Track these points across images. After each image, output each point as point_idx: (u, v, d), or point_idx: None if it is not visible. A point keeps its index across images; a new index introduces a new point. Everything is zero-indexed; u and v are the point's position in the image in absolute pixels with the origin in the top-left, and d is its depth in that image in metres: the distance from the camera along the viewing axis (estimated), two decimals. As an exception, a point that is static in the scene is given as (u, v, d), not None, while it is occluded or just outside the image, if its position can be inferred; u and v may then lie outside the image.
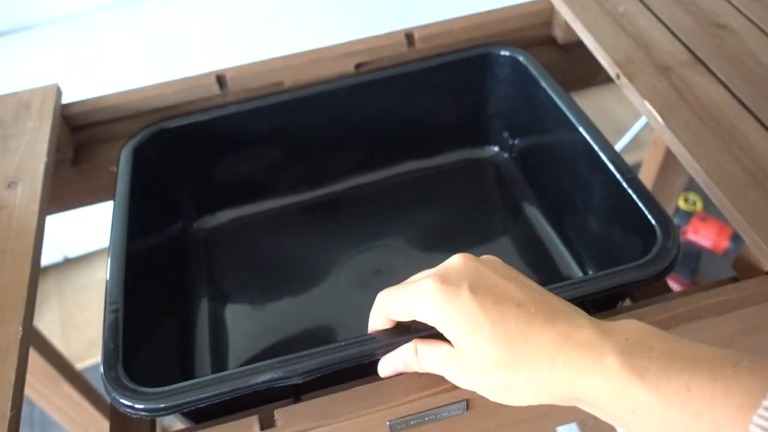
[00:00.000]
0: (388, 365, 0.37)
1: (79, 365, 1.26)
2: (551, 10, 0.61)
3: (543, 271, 0.58)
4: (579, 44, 0.61)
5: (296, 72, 0.60)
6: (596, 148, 0.50)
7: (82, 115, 0.57)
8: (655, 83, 0.50)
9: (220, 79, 0.58)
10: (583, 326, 0.30)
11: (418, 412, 0.37)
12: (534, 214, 0.62)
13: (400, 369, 0.36)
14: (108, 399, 0.38)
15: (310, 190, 0.66)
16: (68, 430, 0.92)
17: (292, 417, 0.37)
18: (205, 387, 0.37)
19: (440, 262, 0.35)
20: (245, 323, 0.57)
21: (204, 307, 0.58)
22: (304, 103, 0.60)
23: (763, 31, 0.53)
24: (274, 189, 0.65)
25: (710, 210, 1.34)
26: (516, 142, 0.66)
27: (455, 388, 0.35)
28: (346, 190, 0.66)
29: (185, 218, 0.63)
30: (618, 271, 0.41)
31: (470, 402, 0.39)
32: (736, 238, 1.26)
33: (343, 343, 0.38)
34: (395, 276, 0.53)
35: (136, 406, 0.37)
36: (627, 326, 0.30)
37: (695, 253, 1.32)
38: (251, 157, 0.63)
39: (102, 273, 0.41)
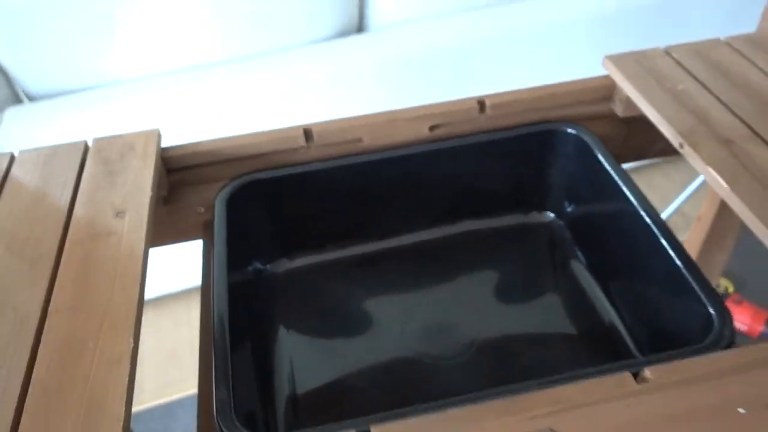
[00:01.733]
0: None
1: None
2: (613, 86, 0.66)
3: (591, 333, 0.60)
4: (636, 119, 0.65)
5: (375, 130, 0.65)
6: (653, 227, 0.54)
7: (179, 158, 0.62)
8: (718, 152, 0.54)
9: (307, 132, 0.63)
10: None
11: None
12: (585, 277, 0.65)
13: None
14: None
15: (378, 242, 0.69)
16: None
17: (389, 437, 0.39)
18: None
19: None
20: (316, 366, 0.60)
21: (278, 348, 0.61)
22: (381, 164, 0.65)
23: (816, 112, 0.58)
24: (345, 240, 0.69)
25: (744, 294, 1.35)
26: (570, 209, 0.70)
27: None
28: (412, 244, 0.70)
29: (262, 260, 0.66)
30: (680, 353, 0.44)
31: (555, 435, 0.40)
32: (771, 323, 1.27)
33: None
34: (455, 329, 0.57)
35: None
36: None
37: (731, 337, 1.32)
38: (328, 209, 0.67)
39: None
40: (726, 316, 0.47)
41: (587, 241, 0.67)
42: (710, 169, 0.53)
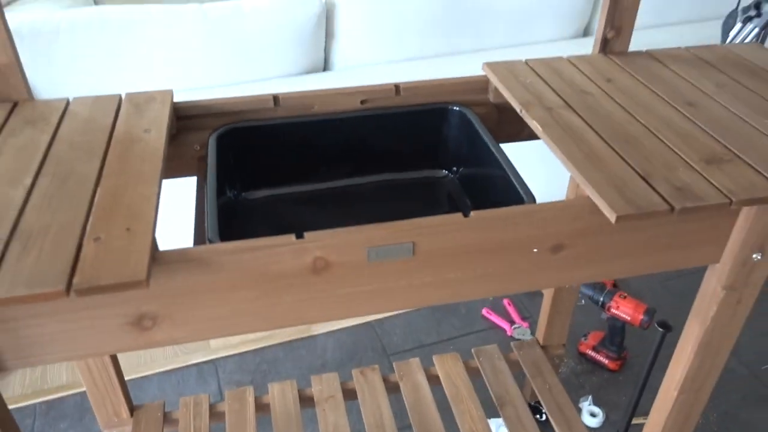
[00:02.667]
0: None
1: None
2: (488, 81, 0.97)
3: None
4: (506, 107, 0.96)
5: (323, 100, 0.93)
6: (508, 173, 0.83)
7: (185, 108, 0.89)
8: (542, 114, 0.84)
9: (275, 98, 0.92)
10: None
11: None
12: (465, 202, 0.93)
13: None
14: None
15: (321, 184, 0.97)
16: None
17: (315, 236, 0.65)
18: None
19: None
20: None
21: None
22: (327, 124, 0.93)
23: (609, 95, 0.89)
24: (298, 179, 0.96)
25: (628, 292, 1.63)
26: (458, 167, 0.99)
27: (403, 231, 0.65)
28: (345, 186, 0.97)
29: (238, 189, 0.93)
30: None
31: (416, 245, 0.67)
32: (648, 312, 1.55)
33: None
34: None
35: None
36: None
37: (620, 326, 1.60)
38: (286, 155, 0.94)
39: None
40: (532, 197, 0.75)
41: (469, 188, 0.96)
42: (535, 122, 0.82)
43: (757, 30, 1.42)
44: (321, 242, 0.65)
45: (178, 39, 1.58)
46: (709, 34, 1.87)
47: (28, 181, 0.70)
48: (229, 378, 1.64)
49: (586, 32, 2.05)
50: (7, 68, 0.84)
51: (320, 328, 1.78)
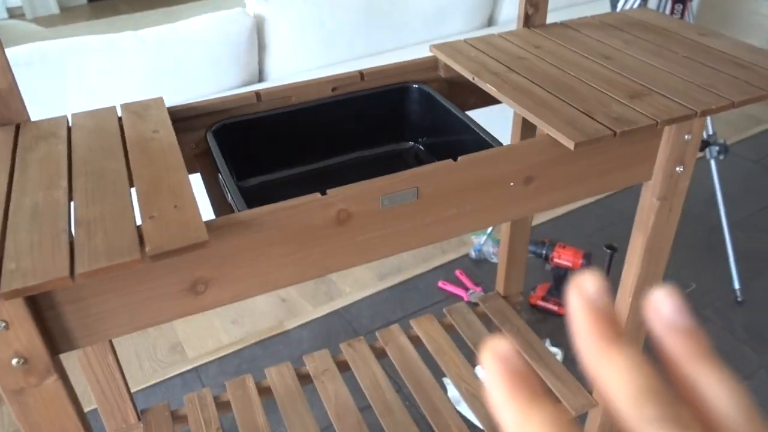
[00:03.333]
0: None
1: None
2: (436, 60, 1.12)
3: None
4: (454, 80, 1.11)
5: (299, 92, 1.05)
6: (470, 125, 0.98)
7: (177, 111, 0.98)
8: (492, 78, 0.99)
9: (257, 95, 1.02)
10: None
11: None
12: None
13: None
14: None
15: (305, 165, 1.08)
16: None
17: (336, 192, 0.77)
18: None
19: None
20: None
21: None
22: (303, 112, 1.05)
23: (541, 58, 1.06)
24: (283, 165, 1.07)
25: (566, 241, 1.84)
26: (423, 138, 1.13)
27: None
28: (325, 166, 1.09)
29: (235, 177, 1.02)
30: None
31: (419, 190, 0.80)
32: (586, 256, 1.75)
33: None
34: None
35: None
36: None
37: (563, 274, 1.79)
38: (271, 144, 1.05)
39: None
40: (498, 143, 0.90)
41: (435, 153, 1.10)
42: (488, 85, 0.98)
43: (639, 1, 1.67)
44: (342, 195, 0.77)
45: (119, 66, 1.64)
46: (604, 7, 2.14)
47: (64, 183, 0.78)
48: (213, 382, 1.70)
49: (490, 23, 2.26)
50: (8, 93, 0.90)
51: (291, 323, 1.87)
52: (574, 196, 0.93)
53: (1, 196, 0.76)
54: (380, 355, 1.42)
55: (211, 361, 1.76)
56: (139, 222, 0.70)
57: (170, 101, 1.78)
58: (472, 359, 1.41)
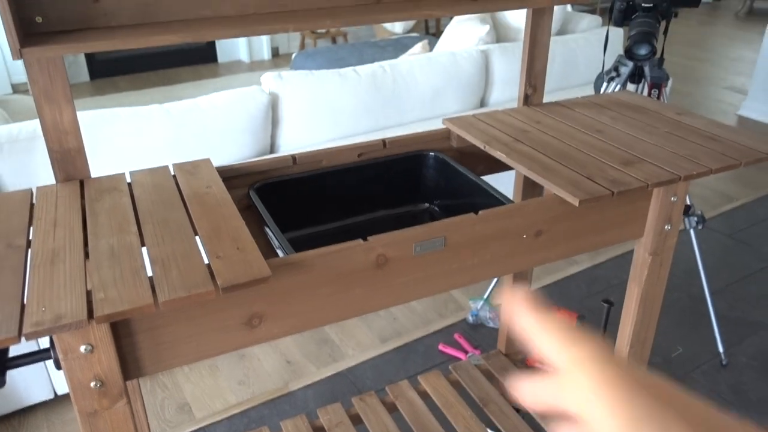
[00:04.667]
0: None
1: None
2: (449, 131, 1.26)
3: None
4: (464, 150, 1.25)
5: (329, 156, 1.18)
6: (487, 188, 1.11)
7: (223, 171, 1.10)
8: (501, 147, 1.13)
9: (294, 158, 1.15)
10: None
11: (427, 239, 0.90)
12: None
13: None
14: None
15: (331, 223, 1.19)
16: None
17: (376, 239, 0.88)
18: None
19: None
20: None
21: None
22: (334, 174, 1.18)
23: (542, 131, 1.20)
24: (313, 221, 1.18)
25: (559, 305, 1.94)
26: (438, 200, 1.26)
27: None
28: (350, 224, 1.21)
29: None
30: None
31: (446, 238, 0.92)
32: (580, 317, 1.85)
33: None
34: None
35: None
36: None
37: (557, 336, 1.89)
38: (304, 202, 1.17)
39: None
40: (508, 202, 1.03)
41: (448, 213, 1.23)
42: (499, 153, 1.11)
43: (619, 86, 1.86)
44: (382, 242, 0.88)
45: (146, 135, 1.76)
46: (589, 91, 2.35)
47: (134, 229, 0.88)
48: (222, 441, 1.73)
49: (482, 104, 2.46)
50: (77, 152, 1.02)
51: (297, 384, 1.92)
52: (578, 249, 1.05)
53: (80, 239, 0.85)
54: (391, 408, 1.48)
55: (219, 421, 1.80)
56: (206, 261, 0.81)
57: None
58: (479, 413, 1.48)
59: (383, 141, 1.22)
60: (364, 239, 0.88)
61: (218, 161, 1.90)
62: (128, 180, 1.03)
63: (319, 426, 1.43)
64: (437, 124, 2.20)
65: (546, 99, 1.37)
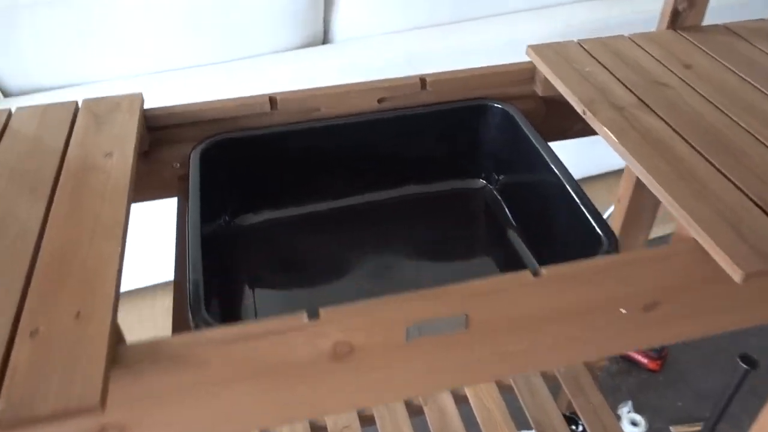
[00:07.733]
0: None
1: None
2: (534, 70, 0.78)
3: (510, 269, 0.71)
4: (555, 100, 0.77)
5: (331, 100, 0.75)
6: (565, 183, 0.65)
7: (159, 117, 0.71)
8: (612, 116, 0.66)
9: (272, 100, 0.73)
10: None
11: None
12: (513, 236, 0.76)
13: None
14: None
15: (333, 201, 0.79)
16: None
17: (335, 314, 0.48)
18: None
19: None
20: (275, 302, 0.69)
21: (244, 289, 0.69)
22: (336, 129, 0.75)
23: (692, 87, 0.70)
24: (303, 198, 0.78)
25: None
26: (499, 176, 0.81)
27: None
28: (362, 203, 0.80)
29: (230, 214, 0.75)
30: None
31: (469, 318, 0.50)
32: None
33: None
34: (401, 271, 0.67)
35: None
36: None
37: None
38: (288, 169, 0.76)
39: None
40: (612, 238, 0.58)
41: (514, 202, 0.78)
42: (605, 128, 0.64)
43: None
44: (342, 323, 0.48)
45: (155, 15, 1.37)
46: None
47: (-53, 236, 0.53)
48: None
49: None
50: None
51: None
52: (720, 327, 0.60)
53: None
54: (415, 412, 1.15)
55: None
56: (14, 335, 0.45)
57: (210, 59, 1.52)
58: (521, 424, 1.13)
59: (421, 79, 0.76)
60: (311, 315, 0.48)
61: (247, 53, 1.48)
62: (3, 120, 0.67)
63: (321, 426, 1.13)
64: (553, 14, 1.63)
65: (708, 20, 0.84)
